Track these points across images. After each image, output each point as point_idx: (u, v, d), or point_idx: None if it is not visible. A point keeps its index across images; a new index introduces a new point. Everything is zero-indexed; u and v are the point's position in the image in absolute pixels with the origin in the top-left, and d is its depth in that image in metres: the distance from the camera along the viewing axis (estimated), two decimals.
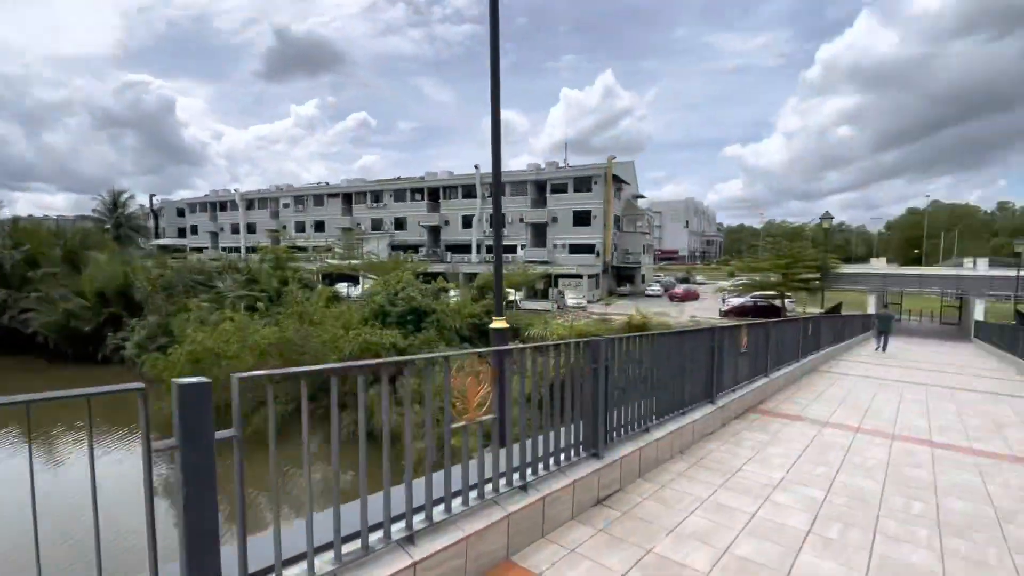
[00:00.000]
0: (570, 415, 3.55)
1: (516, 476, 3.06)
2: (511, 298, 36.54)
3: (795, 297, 31.77)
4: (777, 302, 32.40)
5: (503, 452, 2.97)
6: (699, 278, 67.59)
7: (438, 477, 2.59)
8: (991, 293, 30.82)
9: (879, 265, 36.74)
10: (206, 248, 64.39)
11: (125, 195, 54.87)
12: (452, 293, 29.98)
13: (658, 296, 48.04)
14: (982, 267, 33.88)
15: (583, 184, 47.39)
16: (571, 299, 40.71)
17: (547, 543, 3.04)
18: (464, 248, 50.61)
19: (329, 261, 43.86)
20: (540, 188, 49.90)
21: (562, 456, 3.46)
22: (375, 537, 2.28)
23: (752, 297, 34.27)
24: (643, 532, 3.25)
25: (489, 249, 51.15)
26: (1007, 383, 11.41)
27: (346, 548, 2.16)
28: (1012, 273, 30.49)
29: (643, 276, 53.92)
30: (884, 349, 17.28)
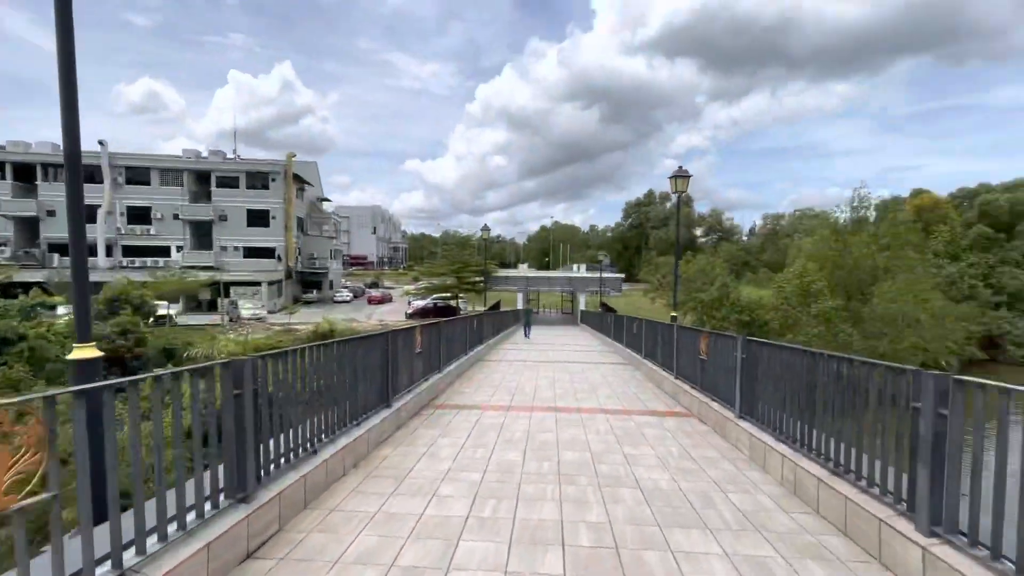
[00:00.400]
0: (203, 459, 2.83)
1: (107, 567, 2.18)
2: (162, 312, 29.40)
3: (467, 297, 36.55)
4: (453, 302, 36.58)
5: (74, 541, 2.06)
6: (387, 283, 70.07)
7: None
8: (588, 289, 42.91)
9: (524, 270, 46.72)
10: None
11: None
12: (62, 310, 21.91)
13: (348, 302, 47.31)
14: (582, 271, 47.40)
15: (259, 180, 42.38)
16: (247, 309, 35.75)
17: None
18: None
19: None
20: (203, 180, 42.09)
21: (192, 515, 2.70)
22: None
23: (434, 299, 37.70)
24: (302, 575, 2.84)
25: (128, 251, 40.23)
26: (597, 354, 15.87)
27: None
28: (597, 275, 43.38)
29: (332, 282, 52.08)
30: (528, 336, 21.58)
